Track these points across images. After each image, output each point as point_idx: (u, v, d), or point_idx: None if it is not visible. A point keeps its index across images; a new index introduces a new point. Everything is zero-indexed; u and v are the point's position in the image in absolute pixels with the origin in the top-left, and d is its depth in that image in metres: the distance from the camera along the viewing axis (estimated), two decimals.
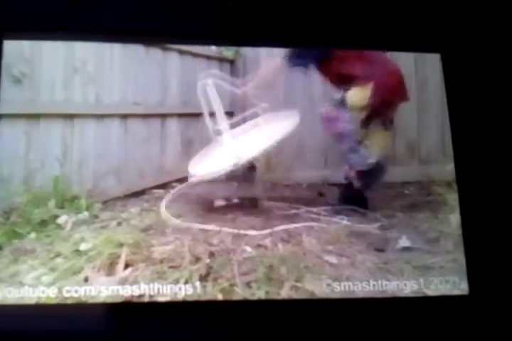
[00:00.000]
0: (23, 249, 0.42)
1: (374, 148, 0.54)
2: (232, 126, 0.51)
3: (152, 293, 0.40)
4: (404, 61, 0.51)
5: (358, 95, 0.53)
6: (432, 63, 0.49)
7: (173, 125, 0.52)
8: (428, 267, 0.44)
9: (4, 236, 0.42)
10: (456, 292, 0.43)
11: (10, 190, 0.43)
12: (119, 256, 0.42)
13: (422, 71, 0.51)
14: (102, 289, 0.40)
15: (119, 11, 0.44)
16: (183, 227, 0.45)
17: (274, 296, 0.41)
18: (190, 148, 0.52)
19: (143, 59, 0.48)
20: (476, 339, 0.42)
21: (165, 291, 0.41)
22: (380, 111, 0.53)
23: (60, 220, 0.44)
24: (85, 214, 0.45)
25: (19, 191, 0.43)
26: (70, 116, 0.47)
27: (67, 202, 0.45)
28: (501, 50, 0.48)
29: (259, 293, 0.41)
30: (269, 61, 0.51)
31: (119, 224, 0.46)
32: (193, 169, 0.49)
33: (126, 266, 0.42)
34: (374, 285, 0.43)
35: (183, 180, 0.50)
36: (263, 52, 0.51)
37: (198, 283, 0.41)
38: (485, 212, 0.45)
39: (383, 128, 0.54)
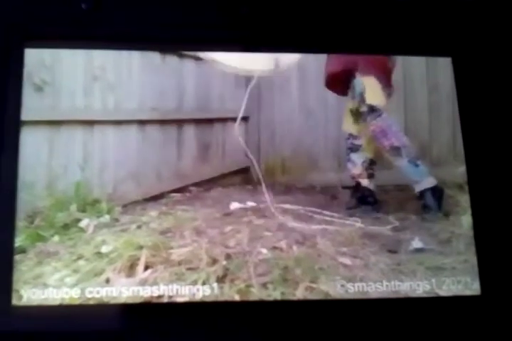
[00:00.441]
0: (47, 252, 0.43)
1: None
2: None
3: (171, 294, 0.41)
4: (415, 65, 0.52)
5: (373, 94, 0.53)
6: (443, 67, 0.49)
7: (189, 130, 0.53)
8: (440, 268, 0.45)
9: (28, 239, 0.43)
10: (468, 292, 0.44)
11: (33, 194, 0.43)
12: (138, 258, 0.43)
13: (433, 74, 0.51)
14: (123, 290, 0.41)
15: (136, 19, 0.45)
16: (200, 230, 0.46)
17: (289, 297, 0.42)
18: (206, 152, 0.52)
19: (160, 66, 0.48)
20: (488, 339, 0.43)
21: (183, 292, 0.41)
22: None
23: (82, 223, 0.45)
24: (106, 218, 0.46)
25: (42, 196, 0.44)
26: (90, 123, 0.48)
27: (89, 206, 0.45)
28: None
29: (275, 294, 0.42)
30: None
31: (139, 227, 0.46)
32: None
33: (146, 267, 0.42)
34: (387, 285, 0.43)
35: (199, 183, 0.50)
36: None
37: (215, 284, 0.42)
38: (496, 213, 0.45)
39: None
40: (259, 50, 0.48)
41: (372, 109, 0.53)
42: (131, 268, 0.42)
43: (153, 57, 0.49)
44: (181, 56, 0.50)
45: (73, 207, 0.45)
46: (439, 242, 0.46)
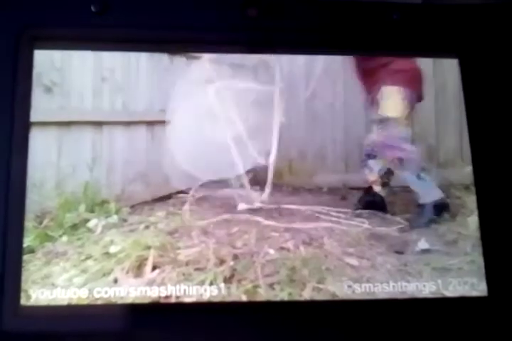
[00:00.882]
0: (55, 252, 0.43)
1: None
2: None
3: (179, 294, 0.41)
4: (422, 66, 0.52)
5: (389, 104, 0.53)
6: (450, 68, 0.49)
7: None
8: (446, 269, 0.45)
9: (37, 239, 0.43)
10: (474, 293, 0.44)
11: (42, 195, 0.44)
12: (146, 259, 0.43)
13: (440, 76, 0.51)
14: (131, 290, 0.41)
15: (145, 21, 0.45)
16: (207, 230, 0.46)
17: (296, 297, 0.42)
18: None
19: (168, 67, 0.49)
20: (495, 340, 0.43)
21: (191, 292, 0.41)
22: None
23: (91, 224, 0.45)
24: (114, 218, 0.46)
25: (51, 196, 0.44)
26: (98, 124, 0.48)
27: (97, 206, 0.46)
28: None
29: (282, 294, 0.42)
30: None
31: (147, 227, 0.46)
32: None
33: (154, 268, 0.43)
34: (394, 286, 0.43)
35: (207, 184, 0.51)
36: (285, 59, 0.52)
37: (222, 285, 0.42)
38: (503, 214, 0.45)
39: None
40: (267, 52, 0.49)
41: (383, 119, 0.53)
42: (139, 269, 0.43)
43: (162, 58, 0.49)
44: (189, 58, 0.50)
45: (82, 208, 0.45)
46: (446, 243, 0.46)
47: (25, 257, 0.41)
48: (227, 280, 0.42)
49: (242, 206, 0.49)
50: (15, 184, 0.42)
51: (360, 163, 0.54)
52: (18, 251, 0.41)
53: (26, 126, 0.43)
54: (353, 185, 0.54)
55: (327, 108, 0.53)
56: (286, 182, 0.53)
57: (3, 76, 0.43)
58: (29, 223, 0.42)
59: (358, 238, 0.47)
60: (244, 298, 0.42)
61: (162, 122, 0.51)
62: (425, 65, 0.51)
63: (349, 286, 0.43)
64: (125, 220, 0.47)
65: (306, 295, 0.42)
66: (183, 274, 0.42)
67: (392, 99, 0.53)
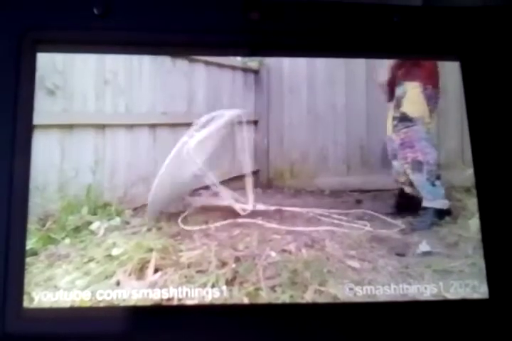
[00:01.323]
0: (58, 254, 0.43)
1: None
2: None
3: (181, 297, 0.41)
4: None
5: (412, 102, 0.52)
6: (451, 71, 0.49)
7: None
8: (448, 271, 0.45)
9: (40, 241, 0.43)
10: (476, 295, 0.44)
11: (45, 197, 0.44)
12: (148, 261, 0.43)
13: (441, 78, 0.51)
14: (133, 292, 0.41)
15: (147, 24, 0.46)
16: (209, 233, 0.46)
17: (298, 300, 0.42)
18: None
19: (170, 70, 0.49)
20: None
21: (193, 295, 0.42)
22: None
23: (93, 226, 0.45)
24: (117, 221, 0.46)
25: (54, 199, 0.44)
26: (101, 126, 0.48)
27: (100, 208, 0.46)
28: None
29: (284, 297, 0.42)
30: None
31: (149, 230, 0.46)
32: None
33: (156, 270, 0.43)
34: (395, 289, 0.43)
35: (209, 187, 0.51)
36: (287, 62, 0.52)
37: (224, 287, 0.42)
38: (504, 216, 0.45)
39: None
40: (268, 55, 0.49)
41: (406, 118, 0.52)
42: (141, 271, 0.43)
43: (164, 61, 0.49)
44: (192, 61, 0.50)
45: (84, 210, 0.45)
46: (447, 245, 0.46)
47: (28, 260, 0.41)
48: (229, 283, 0.42)
49: (243, 208, 0.49)
50: (18, 187, 0.42)
51: (381, 163, 0.53)
52: (20, 254, 0.41)
53: (29, 128, 0.43)
54: (354, 188, 0.54)
55: (329, 110, 0.54)
56: (287, 185, 0.53)
57: (6, 79, 0.43)
58: (32, 226, 0.42)
59: (360, 240, 0.47)
60: (246, 301, 0.42)
61: (164, 125, 0.51)
62: None
63: (351, 289, 0.43)
64: (127, 223, 0.47)
65: (308, 297, 0.42)
66: (185, 277, 0.42)
67: (413, 96, 0.52)
